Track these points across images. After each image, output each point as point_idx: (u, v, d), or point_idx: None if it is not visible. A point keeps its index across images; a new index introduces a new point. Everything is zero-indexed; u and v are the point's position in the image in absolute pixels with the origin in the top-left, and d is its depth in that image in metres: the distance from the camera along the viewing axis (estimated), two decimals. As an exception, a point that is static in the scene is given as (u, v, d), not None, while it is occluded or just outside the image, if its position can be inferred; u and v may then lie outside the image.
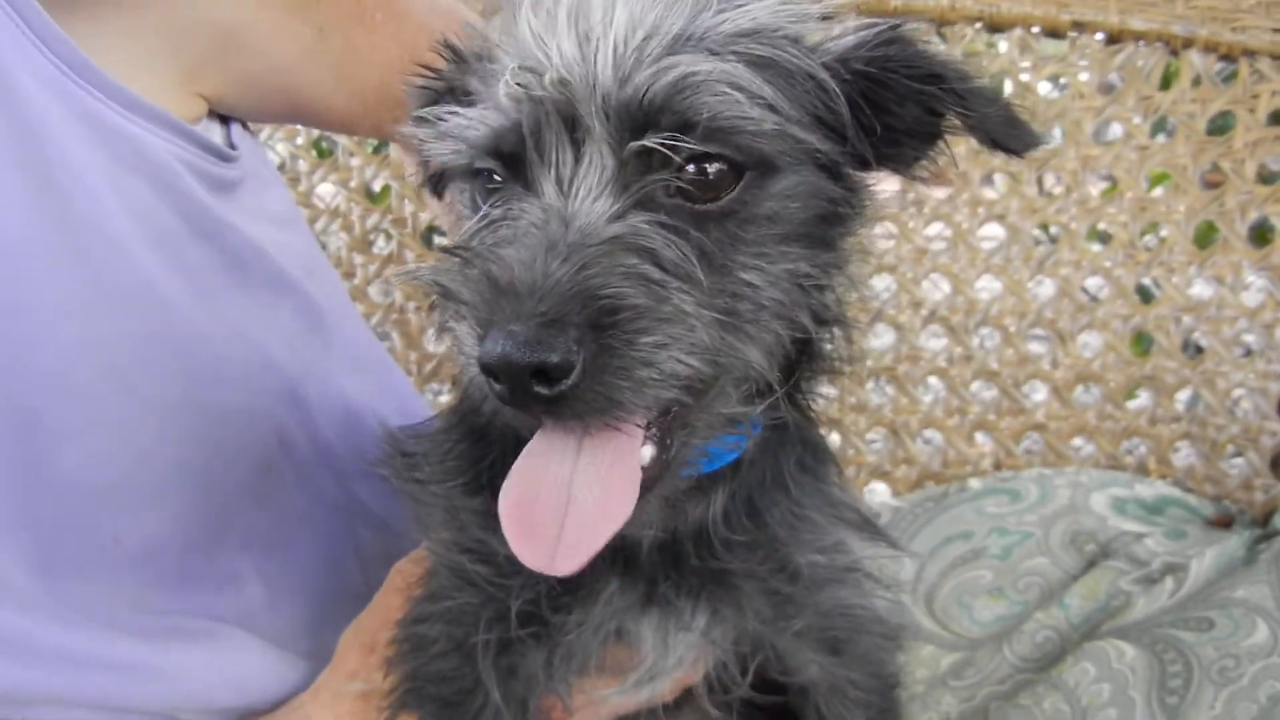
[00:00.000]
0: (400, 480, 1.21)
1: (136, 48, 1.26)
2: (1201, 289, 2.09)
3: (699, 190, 0.89)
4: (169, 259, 1.24)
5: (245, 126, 1.48)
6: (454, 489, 1.13)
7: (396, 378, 1.73)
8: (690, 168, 0.88)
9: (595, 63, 0.87)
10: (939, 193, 2.11)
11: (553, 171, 0.89)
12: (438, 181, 1.14)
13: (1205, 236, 2.10)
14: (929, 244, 2.11)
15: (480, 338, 0.81)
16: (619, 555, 1.07)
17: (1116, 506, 1.94)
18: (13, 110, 1.11)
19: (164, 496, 1.25)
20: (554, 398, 0.80)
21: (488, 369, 0.79)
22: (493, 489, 1.10)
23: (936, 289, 2.15)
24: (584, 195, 0.87)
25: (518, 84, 0.89)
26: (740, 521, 1.08)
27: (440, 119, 0.98)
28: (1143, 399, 2.12)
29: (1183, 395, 2.09)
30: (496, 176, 0.95)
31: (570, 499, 0.87)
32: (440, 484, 1.15)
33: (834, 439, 2.11)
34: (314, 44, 1.42)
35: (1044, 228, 2.16)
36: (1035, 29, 2.09)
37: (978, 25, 2.09)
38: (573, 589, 1.08)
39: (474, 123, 0.94)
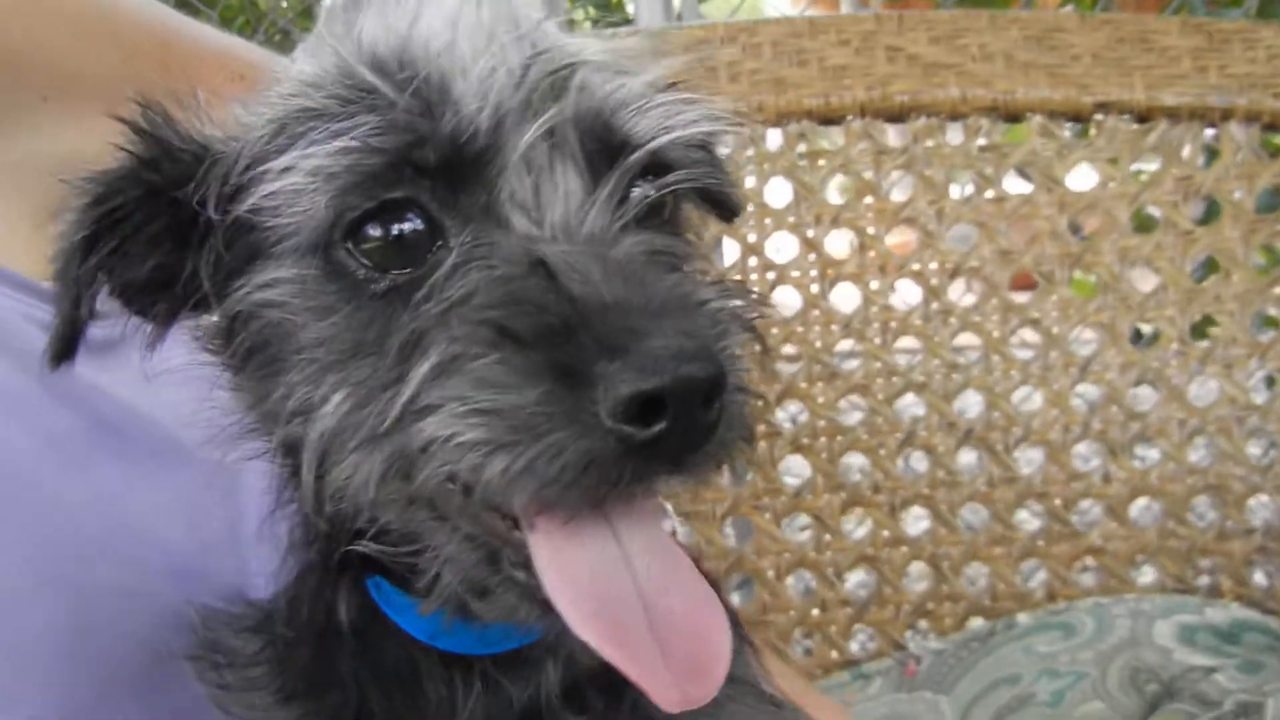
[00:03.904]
0: (204, 683, 1.00)
1: None
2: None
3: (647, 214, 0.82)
4: (27, 426, 1.13)
5: None
6: (263, 699, 0.95)
7: None
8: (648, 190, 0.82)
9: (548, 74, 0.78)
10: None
11: (512, 192, 0.75)
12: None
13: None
14: (958, 356, 1.95)
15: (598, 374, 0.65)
16: None
17: (1184, 636, 1.75)
18: None
19: (25, 696, 1.11)
20: (710, 425, 0.67)
21: (651, 399, 0.63)
22: (310, 694, 0.93)
23: (971, 406, 1.99)
24: (564, 213, 0.75)
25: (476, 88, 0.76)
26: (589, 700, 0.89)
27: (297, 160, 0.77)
28: (1209, 512, 1.94)
29: (1254, 504, 1.90)
30: (406, 217, 0.76)
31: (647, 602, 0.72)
32: (246, 693, 0.96)
33: (868, 578, 1.95)
34: None
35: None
36: (1056, 115, 1.93)
37: (993, 116, 1.94)
38: None
39: (363, 143, 0.74)
